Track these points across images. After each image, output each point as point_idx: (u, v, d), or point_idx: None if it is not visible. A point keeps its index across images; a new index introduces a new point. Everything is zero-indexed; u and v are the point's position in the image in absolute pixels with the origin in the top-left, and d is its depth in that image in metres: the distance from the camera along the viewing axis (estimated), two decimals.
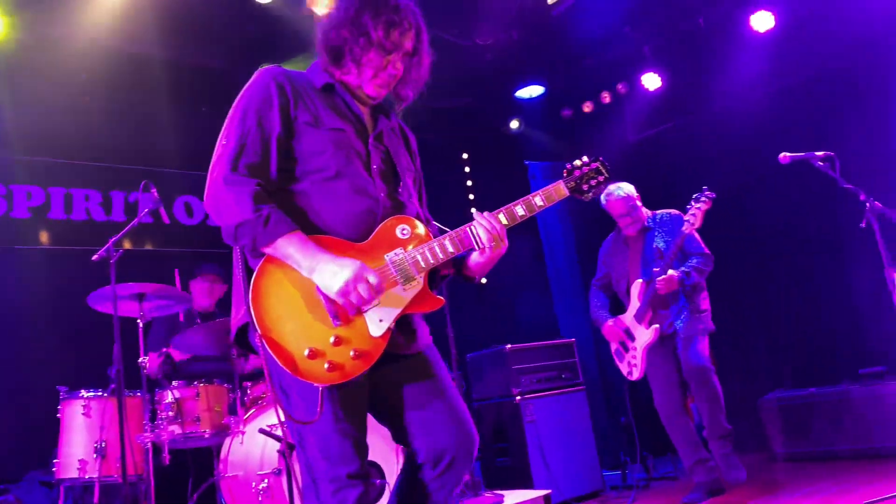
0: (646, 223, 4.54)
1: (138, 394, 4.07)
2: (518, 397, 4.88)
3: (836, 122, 5.70)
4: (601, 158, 2.22)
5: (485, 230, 2.01)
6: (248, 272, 1.90)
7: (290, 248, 1.84)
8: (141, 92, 5.74)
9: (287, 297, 1.85)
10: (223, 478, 3.91)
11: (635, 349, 4.42)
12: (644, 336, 4.39)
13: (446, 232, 2.04)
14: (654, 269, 4.28)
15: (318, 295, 1.85)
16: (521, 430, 4.83)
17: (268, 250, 1.86)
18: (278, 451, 3.56)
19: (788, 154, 3.80)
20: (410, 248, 1.96)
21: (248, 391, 4.33)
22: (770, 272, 6.32)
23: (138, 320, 4.06)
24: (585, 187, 2.20)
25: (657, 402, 4.43)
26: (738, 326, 6.58)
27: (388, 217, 1.98)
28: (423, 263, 1.95)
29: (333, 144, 1.98)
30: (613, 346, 4.60)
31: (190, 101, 6.00)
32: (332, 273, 1.82)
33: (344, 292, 1.81)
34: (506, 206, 2.09)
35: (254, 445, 3.88)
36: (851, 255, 5.65)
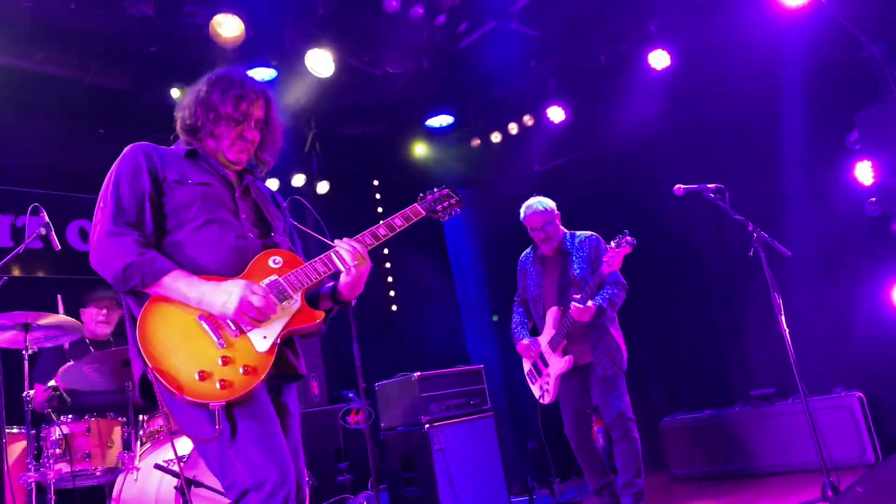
0: (564, 244, 4.39)
1: (22, 430, 3.80)
2: (427, 425, 4.85)
3: (726, 156, 6.02)
4: (449, 188, 2.61)
5: (347, 251, 2.23)
6: (133, 319, 2.09)
7: (177, 284, 2.03)
8: (33, 111, 5.45)
9: (172, 330, 2.02)
10: None
11: (548, 375, 4.37)
12: (557, 365, 4.32)
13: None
14: (575, 296, 4.12)
15: (202, 322, 2.03)
16: (429, 459, 4.79)
17: (154, 289, 2.05)
18: (175, 488, 3.39)
19: (682, 186, 3.99)
20: (284, 274, 2.17)
21: (144, 425, 4.12)
22: (665, 298, 6.56)
23: (24, 351, 3.80)
24: (439, 208, 2.59)
25: (567, 430, 4.37)
26: (635, 351, 6.72)
27: (261, 252, 2.20)
28: (297, 283, 2.16)
29: (201, 197, 2.19)
30: (527, 367, 4.53)
31: (88, 122, 5.75)
32: (225, 297, 2.02)
33: (241, 309, 2.01)
34: (369, 229, 2.35)
35: (149, 483, 3.68)
36: (741, 282, 5.94)
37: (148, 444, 4.00)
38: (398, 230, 2.44)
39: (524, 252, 4.65)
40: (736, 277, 5.99)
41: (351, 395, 5.69)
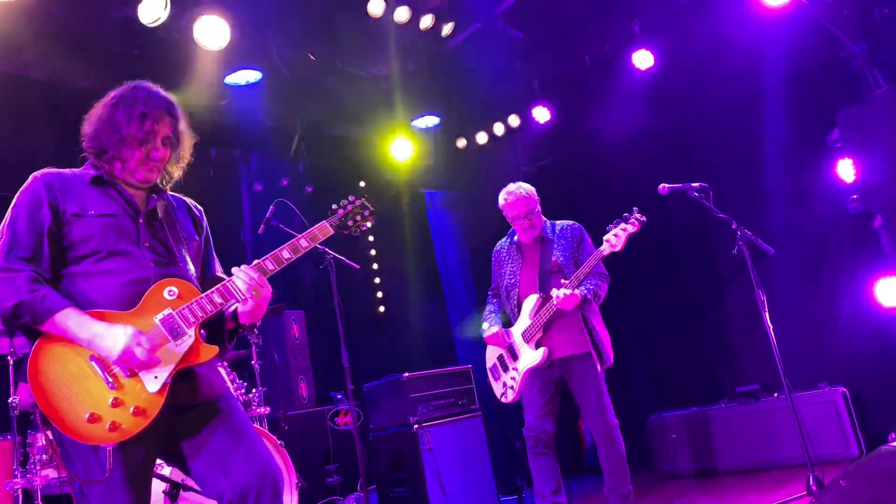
0: (544, 232, 4.14)
1: (8, 436, 3.76)
2: (416, 426, 4.85)
3: (710, 155, 6.07)
4: (365, 196, 2.54)
5: (242, 282, 2.18)
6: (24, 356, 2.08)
7: (68, 322, 1.99)
8: (16, 115, 5.40)
9: (63, 369, 1.99)
10: None
11: (516, 370, 4.03)
12: (530, 357, 3.97)
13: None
14: (563, 280, 3.86)
15: (93, 363, 2.01)
16: (418, 459, 4.79)
17: (45, 328, 2.00)
18: (164, 492, 3.37)
19: (667, 185, 4.01)
20: (179, 307, 2.12)
21: None
22: (651, 297, 6.61)
23: (8, 357, 3.77)
24: (351, 223, 2.50)
25: (527, 429, 4.03)
26: (621, 349, 6.75)
27: (157, 282, 2.14)
28: (192, 318, 2.12)
29: (101, 229, 2.15)
30: (491, 361, 4.23)
31: (71, 126, 5.70)
32: (111, 341, 1.99)
33: (123, 358, 1.98)
34: (272, 252, 2.27)
35: None
36: (726, 280, 5.99)
37: None
38: (304, 251, 2.34)
39: (500, 241, 4.39)
40: (720, 275, 6.03)
41: (339, 396, 5.67)
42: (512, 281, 4.17)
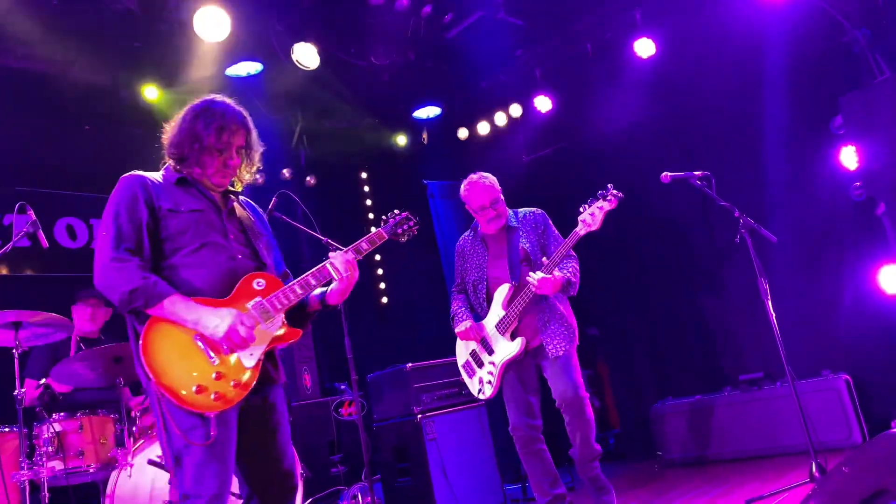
0: (509, 222, 3.96)
1: (14, 429, 3.79)
2: (419, 416, 4.87)
3: (712, 142, 6.05)
4: (408, 212, 2.90)
5: (340, 262, 2.51)
6: (136, 335, 2.30)
7: (175, 307, 2.25)
8: (18, 107, 5.41)
9: (171, 347, 2.25)
10: None
11: (493, 364, 3.84)
12: (506, 349, 3.78)
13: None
14: (544, 260, 3.71)
15: (197, 341, 2.27)
16: (422, 449, 4.81)
17: (154, 311, 2.25)
18: (169, 483, 3.39)
19: (669, 173, 4.00)
20: (266, 296, 2.40)
21: (137, 421, 4.11)
22: (654, 286, 6.60)
23: (14, 350, 3.79)
24: (399, 231, 2.86)
25: (513, 427, 3.83)
26: (625, 339, 6.83)
27: (246, 274, 2.41)
28: (278, 304, 2.40)
29: (194, 223, 2.41)
30: (463, 359, 4.02)
31: (72, 118, 5.71)
32: (217, 321, 2.26)
33: (228, 336, 2.25)
34: (353, 244, 2.64)
35: (143, 478, 3.68)
36: (729, 268, 5.98)
37: (141, 441, 4.00)
38: (364, 253, 2.69)
39: (462, 236, 4.17)
40: (723, 263, 6.02)
41: (343, 387, 5.69)
42: (479, 275, 3.97)
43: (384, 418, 5.19)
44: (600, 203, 3.66)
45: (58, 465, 3.75)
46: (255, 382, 2.30)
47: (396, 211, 2.87)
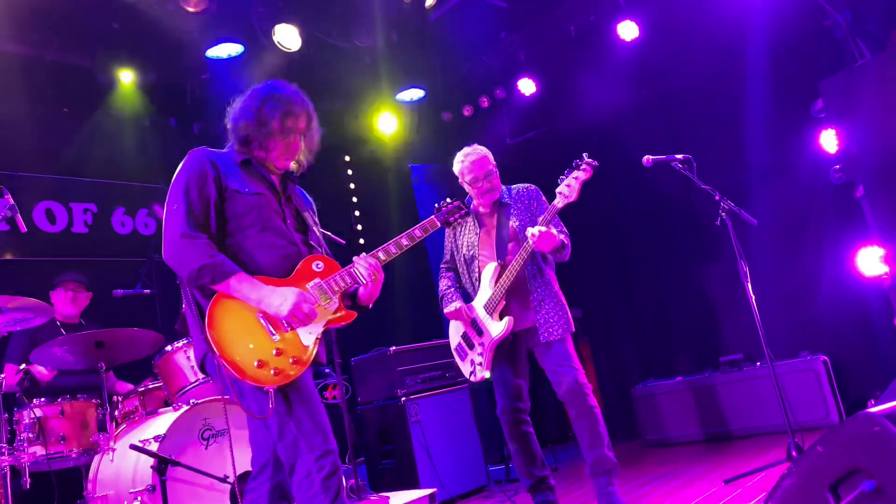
0: (502, 197, 3.89)
1: None
2: (403, 398, 4.89)
3: (694, 126, 6.07)
4: (461, 200, 2.94)
5: (363, 268, 2.58)
6: (200, 310, 2.41)
7: (241, 285, 2.38)
8: None
9: (235, 323, 2.38)
10: (92, 498, 3.68)
11: (483, 345, 3.76)
12: (495, 329, 3.69)
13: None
14: (539, 220, 3.60)
15: (260, 318, 2.39)
16: (406, 431, 4.84)
17: (221, 288, 2.37)
18: (152, 468, 3.39)
19: (651, 157, 4.02)
20: (325, 278, 2.54)
21: (119, 405, 4.10)
22: (636, 269, 6.65)
23: None
24: (451, 219, 2.91)
25: (500, 410, 3.80)
26: (608, 321, 6.88)
27: (303, 257, 2.54)
28: (336, 287, 2.54)
29: (257, 206, 2.52)
30: (455, 341, 3.94)
31: (51, 101, 5.63)
32: (282, 300, 2.38)
33: (293, 312, 2.38)
34: (384, 245, 2.67)
35: (125, 462, 3.68)
36: (710, 251, 6.03)
37: (124, 425, 3.99)
38: (417, 240, 2.76)
39: None
40: (705, 246, 6.07)
41: (327, 370, 5.70)
42: (471, 253, 3.89)
43: (368, 401, 5.21)
44: (576, 174, 3.63)
45: (39, 450, 3.74)
46: (312, 359, 2.42)
47: (448, 200, 2.93)
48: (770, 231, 5.27)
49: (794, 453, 3.82)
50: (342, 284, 2.55)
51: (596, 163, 3.66)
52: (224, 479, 3.59)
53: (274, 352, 2.37)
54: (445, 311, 3.89)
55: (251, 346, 2.36)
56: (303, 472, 2.34)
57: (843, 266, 5.15)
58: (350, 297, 2.70)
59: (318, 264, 2.56)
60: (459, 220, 2.93)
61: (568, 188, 3.59)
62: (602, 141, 6.50)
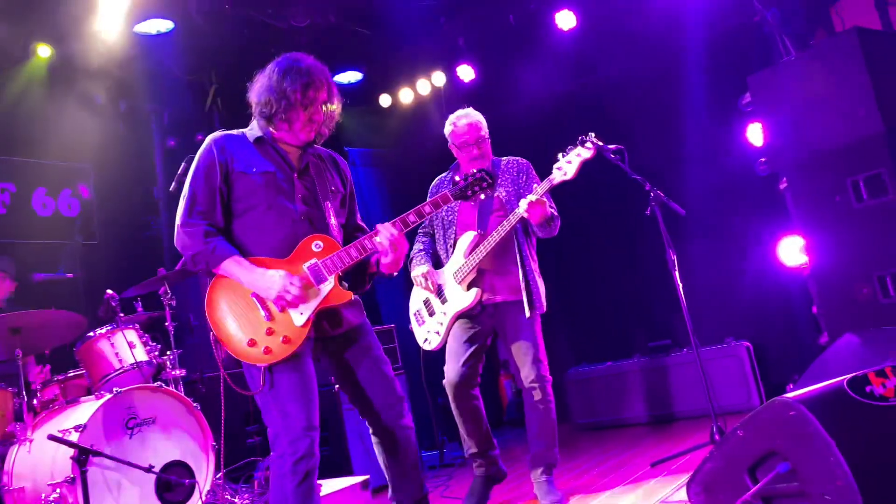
0: (490, 167, 3.77)
1: None
2: (337, 385, 4.85)
3: (629, 117, 6.17)
4: (485, 171, 2.81)
5: (384, 237, 2.62)
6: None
7: (233, 268, 2.54)
8: None
9: (231, 303, 2.55)
10: (7, 491, 3.53)
11: (445, 314, 3.67)
12: (460, 300, 3.59)
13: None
14: (535, 187, 3.52)
15: (253, 299, 2.54)
16: (340, 419, 4.81)
17: (217, 271, 2.56)
18: (71, 458, 3.27)
19: None
20: (323, 258, 2.60)
21: (38, 395, 3.94)
22: (570, 255, 6.74)
23: None
24: (470, 193, 2.81)
25: (448, 380, 3.66)
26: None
27: (306, 237, 2.62)
28: (332, 267, 2.60)
29: (263, 185, 2.63)
30: (415, 306, 3.86)
31: None
32: (269, 283, 2.51)
33: (279, 296, 2.50)
34: (401, 216, 2.70)
35: (43, 454, 3.53)
36: (641, 239, 6.15)
37: (42, 414, 3.84)
38: (426, 216, 2.76)
39: (439, 176, 3.93)
40: (636, 235, 6.19)
41: None
42: (450, 218, 3.74)
43: None
44: (578, 150, 3.52)
45: None
46: (303, 340, 2.52)
47: (474, 171, 2.83)
48: (699, 221, 5.41)
49: (716, 437, 3.96)
50: (339, 264, 2.61)
51: (601, 143, 3.58)
52: (149, 470, 3.50)
53: (265, 331, 2.50)
54: (412, 273, 3.78)
55: (244, 325, 2.51)
56: (278, 451, 2.50)
57: (767, 255, 5.34)
58: (376, 264, 2.74)
59: (317, 244, 2.63)
60: (479, 193, 2.81)
61: (568, 164, 3.50)
62: (539, 130, 6.56)
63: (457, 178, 2.82)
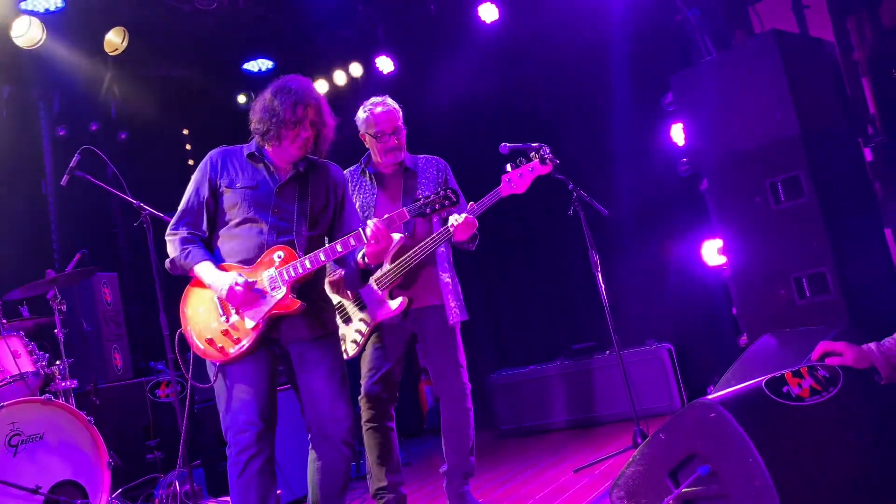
0: (407, 162, 3.72)
1: None
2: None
3: (553, 115, 6.31)
4: (450, 189, 3.01)
5: (368, 229, 2.88)
6: None
7: (201, 273, 2.94)
8: None
9: (198, 304, 2.98)
10: None
11: (364, 322, 3.57)
12: (384, 309, 3.51)
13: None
14: (471, 204, 3.47)
15: (216, 302, 2.93)
16: None
17: (192, 275, 2.98)
18: None
19: (508, 144, 4.13)
20: (282, 267, 2.90)
21: None
22: (492, 256, 6.83)
23: None
24: (428, 210, 2.98)
25: (366, 393, 3.59)
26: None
27: (272, 246, 2.94)
28: (286, 276, 2.89)
29: (242, 199, 2.99)
30: None
31: None
32: (221, 284, 2.87)
33: (229, 295, 2.84)
34: (391, 214, 2.96)
35: None
36: (564, 240, 6.30)
37: None
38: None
39: (347, 170, 3.73)
40: (559, 235, 6.33)
41: (160, 366, 5.44)
42: (365, 215, 3.57)
43: (206, 399, 5.02)
44: (532, 165, 3.48)
45: None
46: (253, 342, 2.85)
47: (440, 190, 3.01)
48: (623, 221, 5.59)
49: (639, 440, 4.10)
50: (293, 273, 2.88)
51: (557, 161, 3.56)
52: (36, 491, 3.34)
53: (221, 332, 2.89)
54: (328, 279, 3.63)
55: (205, 325, 2.92)
56: (227, 443, 2.90)
57: (689, 256, 5.55)
58: (362, 257, 3.09)
59: (279, 255, 2.92)
60: (440, 212, 3.01)
61: (520, 178, 3.47)
62: (461, 126, 6.63)
63: (418, 197, 3.02)
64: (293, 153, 3.01)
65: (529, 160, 3.51)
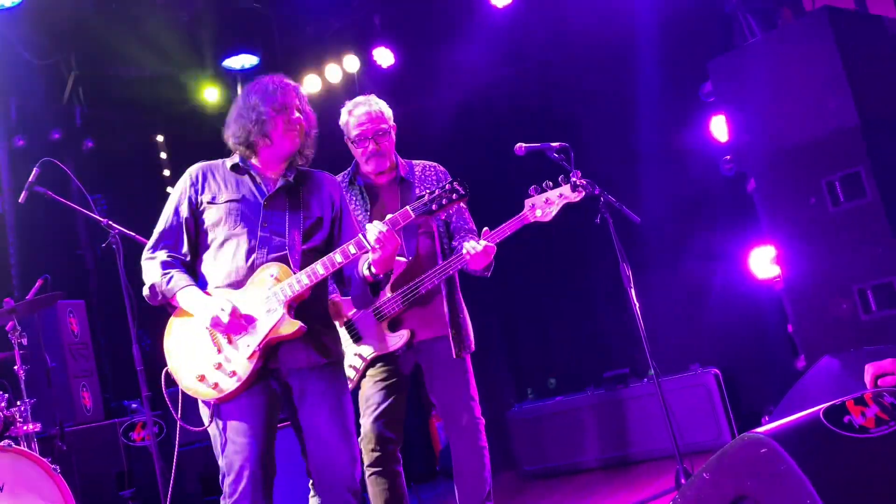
0: (400, 171, 3.69)
1: None
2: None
3: (574, 109, 6.30)
4: (458, 179, 2.99)
5: (372, 234, 2.84)
6: None
7: (184, 300, 2.90)
8: None
9: (184, 336, 2.92)
10: None
11: (359, 356, 3.56)
12: (384, 342, 3.50)
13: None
14: (486, 229, 3.51)
15: (205, 331, 2.87)
16: None
17: (174, 302, 2.93)
18: None
19: (524, 145, 4.12)
20: (276, 286, 2.87)
21: None
22: (510, 275, 6.80)
23: None
24: (435, 206, 2.93)
25: (366, 434, 3.52)
26: (478, 334, 7.02)
27: (263, 264, 2.93)
28: (282, 295, 2.85)
29: (227, 214, 2.98)
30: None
31: None
32: (205, 310, 2.83)
33: (214, 322, 2.81)
34: (394, 214, 2.93)
35: None
36: (590, 253, 6.27)
37: None
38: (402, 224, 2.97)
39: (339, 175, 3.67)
40: (585, 248, 6.30)
41: (135, 405, 5.46)
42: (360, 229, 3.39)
43: (188, 442, 5.03)
44: (562, 190, 3.48)
45: None
46: (252, 374, 2.81)
47: (446, 183, 2.98)
48: (657, 230, 5.55)
49: (682, 480, 4.06)
50: (288, 293, 2.86)
51: (591, 189, 3.57)
52: None
53: (214, 365, 2.83)
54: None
55: (194, 359, 2.87)
56: (224, 488, 2.88)
57: (735, 268, 5.52)
58: (367, 268, 2.97)
59: (272, 273, 2.90)
60: (447, 207, 2.93)
61: (546, 203, 3.50)
62: (470, 124, 6.64)
63: (428, 191, 2.93)
64: (287, 146, 3.01)
65: (557, 185, 3.50)
